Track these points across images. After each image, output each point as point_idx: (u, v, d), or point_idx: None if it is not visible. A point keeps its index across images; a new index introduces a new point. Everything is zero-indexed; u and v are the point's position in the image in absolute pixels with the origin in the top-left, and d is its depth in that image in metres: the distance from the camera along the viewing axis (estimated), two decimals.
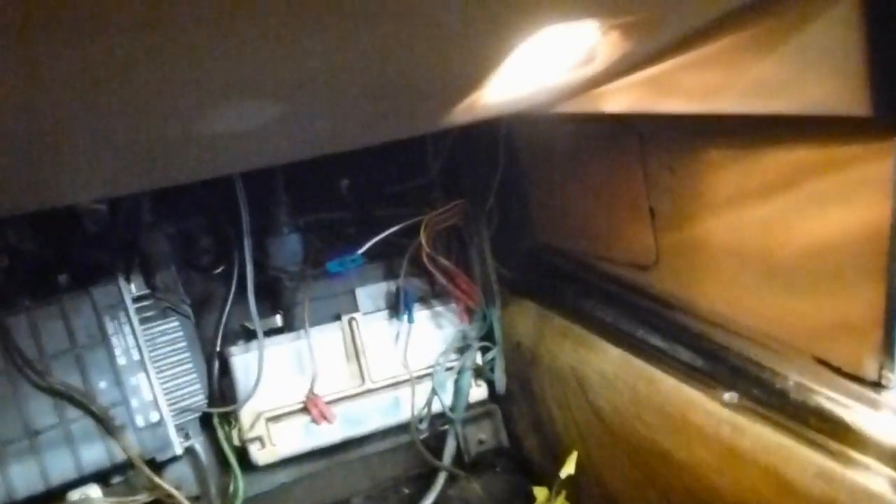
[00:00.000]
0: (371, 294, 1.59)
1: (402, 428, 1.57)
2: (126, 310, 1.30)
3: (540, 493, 1.44)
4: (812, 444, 0.89)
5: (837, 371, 0.93)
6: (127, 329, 1.30)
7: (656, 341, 1.19)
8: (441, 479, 1.58)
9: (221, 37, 0.54)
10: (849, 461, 0.85)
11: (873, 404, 0.88)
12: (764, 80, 0.84)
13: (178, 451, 1.34)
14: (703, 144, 1.04)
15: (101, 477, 1.29)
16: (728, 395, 1.02)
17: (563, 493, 1.39)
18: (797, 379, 0.97)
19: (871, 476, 0.82)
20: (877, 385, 0.88)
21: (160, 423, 1.31)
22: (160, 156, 0.85)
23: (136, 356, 1.30)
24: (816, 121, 0.82)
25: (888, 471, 0.82)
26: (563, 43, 0.81)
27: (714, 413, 1.02)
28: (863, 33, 0.74)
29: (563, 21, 0.72)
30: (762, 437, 0.94)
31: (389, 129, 1.03)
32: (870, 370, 0.89)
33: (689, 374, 1.09)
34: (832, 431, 0.89)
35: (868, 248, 0.84)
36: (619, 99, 1.01)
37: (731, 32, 0.85)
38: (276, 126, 0.82)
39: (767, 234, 0.98)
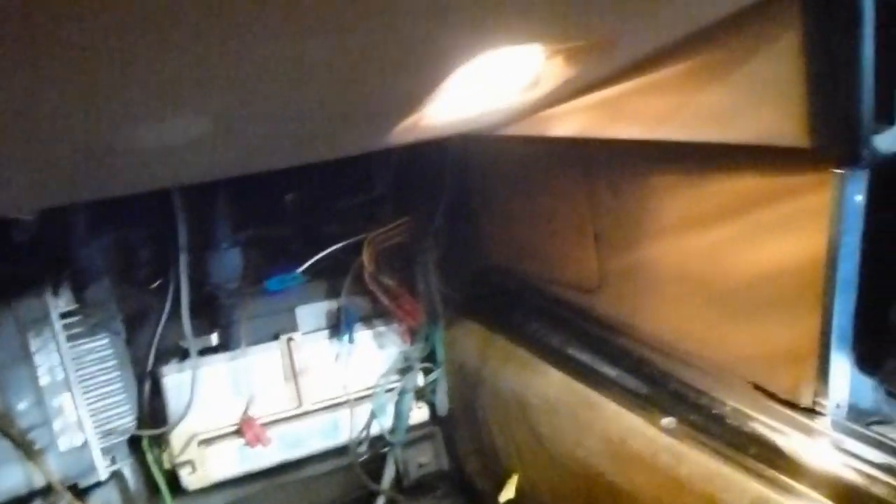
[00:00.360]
0: (311, 313, 1.55)
1: (341, 451, 1.54)
2: (52, 326, 1.24)
3: None
4: (749, 471, 0.89)
5: (773, 397, 0.94)
6: (52, 346, 1.24)
7: (598, 366, 1.18)
8: (380, 503, 1.55)
9: (154, 45, 0.52)
10: (784, 489, 0.86)
11: (808, 431, 0.89)
12: (711, 108, 0.85)
13: (104, 475, 1.28)
14: (649, 170, 1.05)
15: (18, 503, 1.22)
16: (666, 421, 1.02)
17: None
18: (734, 405, 0.97)
19: None
20: (811, 412, 0.90)
21: (84, 446, 1.25)
22: (90, 168, 0.81)
23: (60, 375, 1.24)
24: (761, 150, 0.84)
25: (822, 499, 0.82)
26: (507, 66, 0.81)
27: (654, 440, 1.02)
28: (803, 68, 0.75)
29: (505, 45, 0.71)
30: (700, 465, 0.94)
31: (327, 147, 1.01)
32: (805, 397, 0.90)
33: (629, 399, 1.09)
34: (768, 458, 0.90)
35: (805, 277, 0.86)
36: (567, 123, 1.01)
37: (679, 62, 0.86)
38: (211, 141, 0.80)
39: (710, 261, 0.99)
